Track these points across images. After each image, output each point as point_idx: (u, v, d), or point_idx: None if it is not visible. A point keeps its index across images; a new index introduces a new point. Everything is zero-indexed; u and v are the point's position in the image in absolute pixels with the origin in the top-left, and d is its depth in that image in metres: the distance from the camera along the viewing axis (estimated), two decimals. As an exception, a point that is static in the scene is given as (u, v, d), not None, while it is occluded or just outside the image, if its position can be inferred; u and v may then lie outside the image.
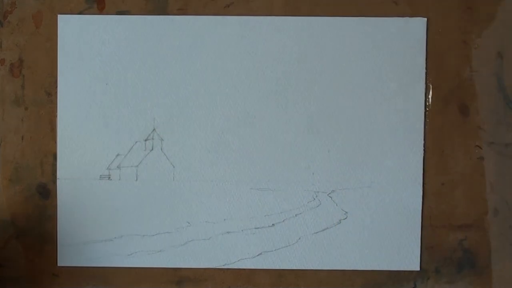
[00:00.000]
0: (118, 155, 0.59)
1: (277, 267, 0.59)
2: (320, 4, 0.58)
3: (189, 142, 0.59)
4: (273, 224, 0.59)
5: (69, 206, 0.59)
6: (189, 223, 0.59)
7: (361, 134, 0.58)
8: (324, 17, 0.58)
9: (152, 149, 0.59)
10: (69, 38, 0.58)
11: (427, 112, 0.58)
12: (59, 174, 0.59)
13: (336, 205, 0.59)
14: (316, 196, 0.59)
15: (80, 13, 0.58)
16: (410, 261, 0.59)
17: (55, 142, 0.59)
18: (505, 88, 0.58)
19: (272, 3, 0.58)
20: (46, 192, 0.59)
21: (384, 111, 0.58)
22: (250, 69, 0.58)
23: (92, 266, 0.59)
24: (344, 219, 0.59)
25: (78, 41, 0.58)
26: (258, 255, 0.59)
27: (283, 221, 0.59)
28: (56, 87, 0.58)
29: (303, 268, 0.59)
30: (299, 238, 0.59)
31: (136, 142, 0.59)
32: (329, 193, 0.59)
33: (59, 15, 0.58)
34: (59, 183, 0.59)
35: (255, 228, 0.59)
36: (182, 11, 0.58)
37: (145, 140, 0.59)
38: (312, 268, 0.59)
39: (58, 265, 0.59)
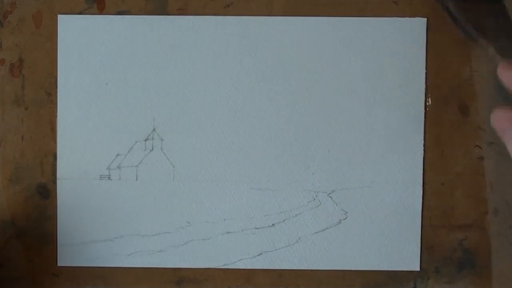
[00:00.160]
0: (118, 155, 0.59)
1: (277, 267, 0.59)
2: (320, 4, 0.58)
3: (189, 142, 0.59)
4: (273, 224, 0.59)
5: (69, 206, 0.59)
6: (189, 223, 0.59)
7: (361, 134, 0.58)
8: (324, 17, 0.58)
9: (152, 149, 0.59)
10: (69, 38, 0.58)
11: (427, 112, 0.58)
12: (59, 174, 0.59)
13: (336, 205, 0.59)
14: (316, 196, 0.59)
15: (80, 13, 0.58)
16: (410, 261, 0.59)
17: (55, 142, 0.59)
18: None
19: (272, 3, 0.58)
20: (46, 192, 0.59)
21: (384, 111, 0.58)
22: (250, 69, 0.58)
23: (92, 266, 0.59)
24: (344, 219, 0.59)
25: (78, 41, 0.58)
26: (258, 255, 0.59)
27: (283, 221, 0.59)
28: (56, 87, 0.58)
29: (303, 268, 0.59)
30: (299, 238, 0.59)
31: (136, 142, 0.59)
32: (329, 193, 0.59)
33: (59, 15, 0.58)
34: (59, 183, 0.59)
35: (255, 228, 0.59)
36: (182, 11, 0.58)
37: (145, 140, 0.59)
38: (312, 268, 0.59)
39: (58, 265, 0.59)
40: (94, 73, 0.58)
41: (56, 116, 0.59)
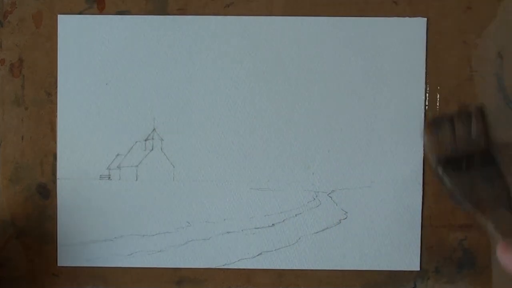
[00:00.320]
0: (118, 155, 0.59)
1: (277, 267, 0.59)
2: (320, 4, 0.58)
3: (189, 142, 0.59)
4: (273, 224, 0.59)
5: (69, 206, 0.59)
6: (189, 223, 0.59)
7: (361, 134, 0.58)
8: (324, 17, 0.58)
9: (152, 149, 0.59)
10: (69, 38, 0.58)
11: (427, 112, 0.58)
12: (59, 174, 0.59)
13: (336, 205, 0.59)
14: (316, 196, 0.59)
15: (80, 13, 0.58)
16: (410, 261, 0.59)
17: (55, 142, 0.59)
18: (505, 88, 0.58)
19: (272, 3, 0.58)
20: (46, 192, 0.59)
21: (384, 111, 0.58)
22: (250, 69, 0.58)
23: (92, 266, 0.59)
24: (344, 219, 0.59)
25: (78, 41, 0.58)
26: (258, 255, 0.59)
27: (283, 221, 0.59)
28: (56, 87, 0.58)
29: (303, 268, 0.59)
30: (299, 238, 0.59)
31: (136, 142, 0.59)
32: (329, 193, 0.59)
33: (59, 15, 0.58)
34: (59, 183, 0.59)
35: (255, 228, 0.59)
36: (182, 11, 0.58)
37: (145, 140, 0.59)
38: (312, 268, 0.59)
39: (58, 265, 0.59)
40: (94, 73, 0.58)
41: (56, 116, 0.59)
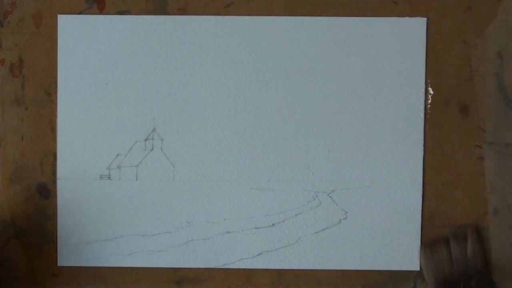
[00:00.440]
0: (118, 155, 0.59)
1: (277, 267, 0.59)
2: (320, 4, 0.58)
3: (189, 142, 0.59)
4: (273, 224, 0.59)
5: (69, 206, 0.59)
6: (189, 223, 0.59)
7: (361, 134, 0.58)
8: (324, 17, 0.58)
9: (152, 149, 0.59)
10: (69, 38, 0.58)
11: (427, 112, 0.58)
12: (59, 174, 0.59)
13: (336, 205, 0.59)
14: (316, 196, 0.59)
15: (80, 13, 0.58)
16: (410, 261, 0.59)
17: (55, 142, 0.59)
18: (505, 88, 0.58)
19: (272, 3, 0.58)
20: (46, 192, 0.59)
21: (384, 111, 0.58)
22: (250, 69, 0.58)
23: (92, 266, 0.59)
24: (344, 219, 0.59)
25: (78, 41, 0.58)
26: (258, 255, 0.59)
27: (283, 221, 0.59)
28: (56, 87, 0.58)
29: (303, 268, 0.59)
30: (299, 238, 0.59)
31: (136, 142, 0.59)
32: (329, 193, 0.59)
33: (59, 15, 0.58)
34: (59, 183, 0.59)
35: (255, 228, 0.59)
36: (182, 11, 0.58)
37: (145, 140, 0.59)
38: (312, 268, 0.59)
39: (58, 265, 0.59)
40: (94, 73, 0.58)
41: (56, 116, 0.59)
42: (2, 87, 0.59)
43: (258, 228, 0.59)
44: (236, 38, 0.58)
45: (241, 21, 0.58)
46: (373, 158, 0.58)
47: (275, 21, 0.58)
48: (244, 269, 0.59)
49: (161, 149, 0.59)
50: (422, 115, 0.58)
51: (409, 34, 0.58)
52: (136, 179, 0.59)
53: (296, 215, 0.59)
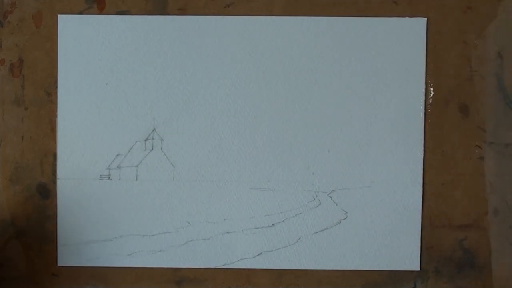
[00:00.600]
0: (118, 155, 0.59)
1: (277, 267, 0.59)
2: (320, 4, 0.58)
3: (189, 142, 0.59)
4: (273, 224, 0.59)
5: (69, 206, 0.59)
6: (189, 223, 0.59)
7: (361, 133, 0.58)
8: (324, 17, 0.58)
9: (152, 149, 0.59)
10: (69, 38, 0.58)
11: (427, 112, 0.58)
12: (59, 174, 0.59)
13: (336, 205, 0.59)
14: (316, 196, 0.59)
15: (80, 13, 0.58)
16: (410, 261, 0.59)
17: (55, 142, 0.59)
18: (505, 88, 0.58)
19: (272, 3, 0.58)
20: (46, 192, 0.59)
21: (384, 111, 0.58)
22: (250, 69, 0.58)
23: (92, 266, 0.59)
24: (344, 219, 0.59)
25: (78, 41, 0.58)
26: (258, 255, 0.59)
27: (283, 221, 0.59)
28: (56, 87, 0.58)
29: (303, 268, 0.59)
30: (299, 238, 0.59)
31: (136, 142, 0.59)
32: (329, 193, 0.59)
33: (59, 15, 0.58)
34: (59, 183, 0.59)
35: (255, 228, 0.59)
36: (182, 11, 0.58)
37: (145, 140, 0.59)
38: (312, 268, 0.59)
39: (58, 265, 0.59)
40: (94, 73, 0.58)
41: (56, 116, 0.59)
42: (2, 87, 0.59)
43: (258, 228, 0.59)
44: (236, 38, 0.58)
45: (241, 21, 0.58)
46: (373, 158, 0.58)
47: (275, 21, 0.58)
48: (244, 269, 0.59)
49: (161, 149, 0.59)
50: (422, 115, 0.58)
51: (409, 34, 0.58)
52: (136, 179, 0.59)
53: (296, 215, 0.59)
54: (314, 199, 0.58)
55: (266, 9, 0.58)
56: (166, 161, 0.59)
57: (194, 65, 0.58)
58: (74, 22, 0.58)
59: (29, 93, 0.58)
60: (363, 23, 0.58)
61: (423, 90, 0.58)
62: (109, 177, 0.59)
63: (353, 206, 0.58)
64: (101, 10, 0.58)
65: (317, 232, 0.59)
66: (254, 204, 0.59)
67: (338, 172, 0.58)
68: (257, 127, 0.58)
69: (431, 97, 0.58)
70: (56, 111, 0.58)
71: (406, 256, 0.59)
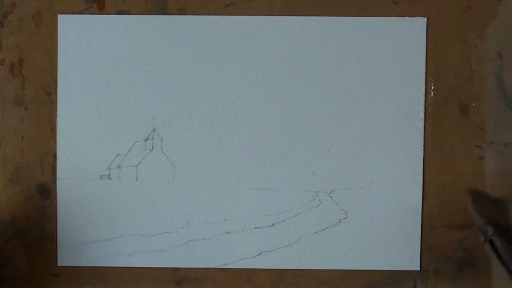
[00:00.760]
0: (118, 155, 0.59)
1: (277, 267, 0.59)
2: (320, 4, 0.58)
3: (189, 142, 0.59)
4: (273, 224, 0.59)
5: (69, 206, 0.59)
6: (189, 223, 0.59)
7: (361, 133, 0.58)
8: (324, 17, 0.58)
9: (152, 149, 0.59)
10: (69, 38, 0.58)
11: (427, 112, 0.58)
12: (59, 174, 0.59)
13: (336, 205, 0.59)
14: (316, 196, 0.59)
15: (80, 13, 0.58)
16: (410, 261, 0.59)
17: (55, 142, 0.59)
18: (505, 88, 0.58)
19: (272, 3, 0.58)
20: (46, 192, 0.59)
21: (384, 111, 0.58)
22: (250, 69, 0.58)
23: (92, 266, 0.59)
24: (344, 219, 0.59)
25: (78, 41, 0.58)
26: (258, 255, 0.59)
27: (283, 221, 0.59)
28: (56, 87, 0.58)
29: (303, 268, 0.59)
30: (299, 238, 0.59)
31: (136, 142, 0.59)
32: (329, 193, 0.59)
33: (59, 15, 0.58)
34: (59, 183, 0.59)
35: (255, 228, 0.59)
36: (182, 11, 0.58)
37: (145, 140, 0.59)
38: (312, 268, 0.59)
39: (58, 265, 0.59)
40: (94, 73, 0.58)
41: (56, 116, 0.59)
42: (2, 87, 0.59)
43: (258, 228, 0.59)
44: (236, 38, 0.58)
45: (241, 21, 0.58)
46: (373, 158, 0.58)
47: (275, 21, 0.58)
48: (244, 269, 0.59)
49: (161, 149, 0.59)
50: (422, 115, 0.58)
51: (409, 34, 0.58)
52: (136, 179, 0.59)
53: (296, 215, 0.59)
54: (314, 199, 0.59)
55: (266, 9, 0.58)
56: (166, 161, 0.59)
57: (194, 65, 0.58)
58: (74, 22, 0.58)
59: (29, 93, 0.58)
60: (363, 23, 0.58)
61: (423, 90, 0.58)
62: (109, 177, 0.59)
63: (353, 206, 0.58)
64: (101, 10, 0.58)
65: (317, 232, 0.59)
66: (254, 204, 0.59)
67: (338, 172, 0.58)
68: (257, 127, 0.58)
69: (431, 97, 0.58)
70: (56, 111, 0.58)
71: (406, 256, 0.59)
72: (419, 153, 0.58)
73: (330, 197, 0.58)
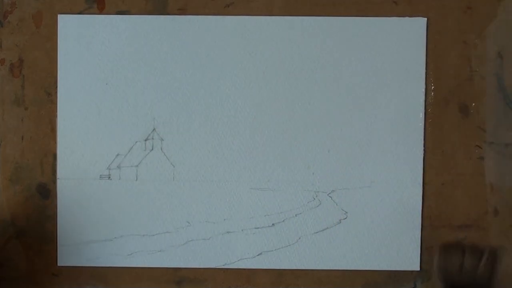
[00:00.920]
0: (118, 155, 0.59)
1: (277, 267, 0.59)
2: (320, 4, 0.58)
3: (189, 142, 0.59)
4: (273, 224, 0.59)
5: (69, 206, 0.59)
6: (189, 223, 0.59)
7: (361, 133, 0.58)
8: (324, 17, 0.58)
9: (152, 149, 0.59)
10: (69, 38, 0.58)
11: (427, 112, 0.58)
12: (59, 174, 0.59)
13: (336, 205, 0.59)
14: (316, 196, 0.59)
15: (80, 13, 0.58)
16: (410, 261, 0.59)
17: (55, 142, 0.59)
18: (505, 88, 0.58)
19: (272, 3, 0.58)
20: (46, 192, 0.59)
21: (384, 111, 0.58)
22: (250, 69, 0.58)
23: (92, 266, 0.59)
24: (344, 219, 0.59)
25: (78, 41, 0.58)
26: (258, 255, 0.59)
27: (283, 221, 0.59)
28: (56, 87, 0.58)
29: (303, 268, 0.59)
30: (299, 238, 0.59)
31: (136, 142, 0.59)
32: (329, 193, 0.59)
33: (59, 15, 0.58)
34: (59, 183, 0.59)
35: (255, 228, 0.59)
36: (182, 11, 0.58)
37: (145, 140, 0.59)
38: (312, 268, 0.59)
39: (58, 265, 0.59)
40: (94, 73, 0.58)
41: (56, 116, 0.59)
42: (2, 87, 0.59)
43: (258, 228, 0.59)
44: (236, 38, 0.58)
45: (241, 21, 0.58)
46: (373, 158, 0.58)
47: (275, 21, 0.58)
48: (244, 269, 0.59)
49: (161, 149, 0.59)
50: (422, 115, 0.58)
51: (409, 34, 0.58)
52: (136, 179, 0.59)
53: (296, 215, 0.59)
54: (314, 199, 0.59)
55: (266, 9, 0.58)
56: (166, 161, 0.59)
57: (194, 65, 0.58)
58: (74, 22, 0.58)
59: (29, 93, 0.58)
60: (363, 23, 0.58)
61: (423, 90, 0.58)
62: (109, 177, 0.59)
63: (353, 206, 0.58)
64: (101, 10, 0.58)
65: (317, 232, 0.59)
66: (254, 204, 0.59)
67: (338, 172, 0.58)
68: (257, 127, 0.58)
69: (431, 97, 0.58)
70: (56, 111, 0.58)
71: (406, 256, 0.59)
72: (419, 153, 0.58)
73: (330, 197, 0.58)
